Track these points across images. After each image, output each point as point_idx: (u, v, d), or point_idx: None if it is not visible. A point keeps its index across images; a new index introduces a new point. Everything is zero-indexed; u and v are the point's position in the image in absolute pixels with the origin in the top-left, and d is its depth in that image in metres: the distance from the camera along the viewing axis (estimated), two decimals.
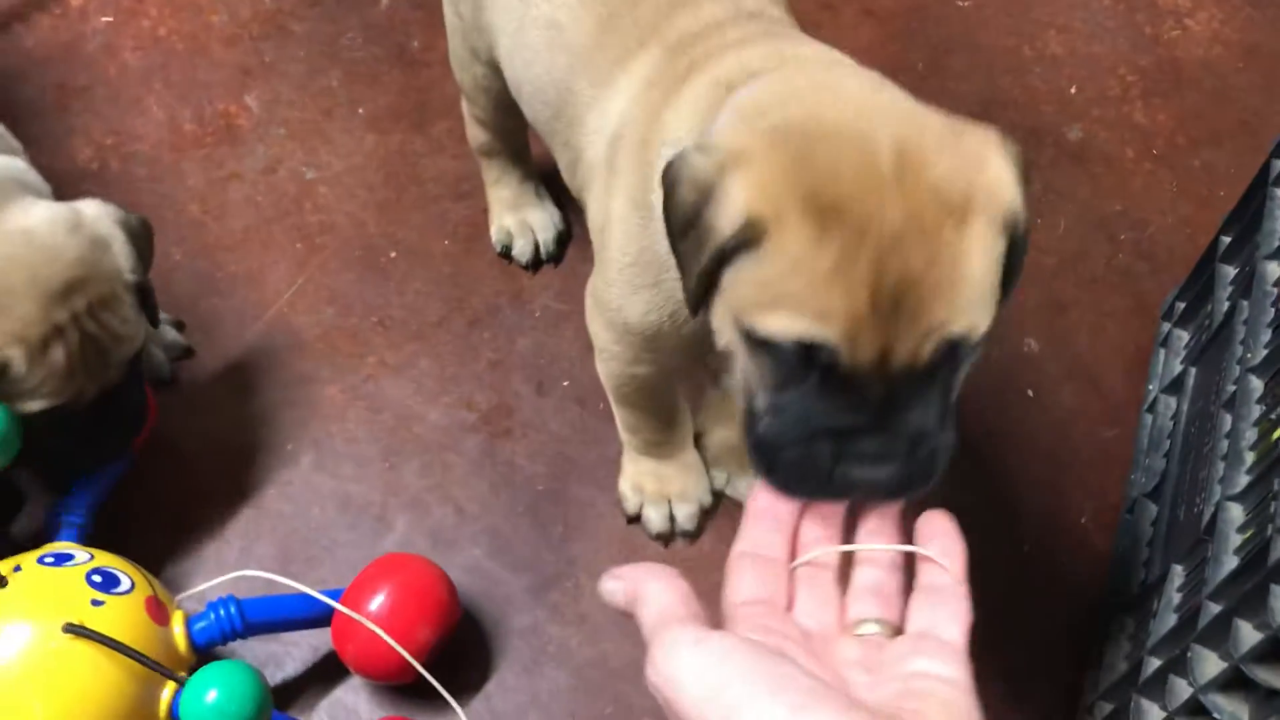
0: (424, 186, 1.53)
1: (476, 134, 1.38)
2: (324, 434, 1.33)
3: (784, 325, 0.70)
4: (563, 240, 1.46)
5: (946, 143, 0.72)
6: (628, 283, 0.94)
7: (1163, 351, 1.35)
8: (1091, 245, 1.49)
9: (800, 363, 0.71)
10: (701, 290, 0.75)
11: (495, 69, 1.20)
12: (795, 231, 0.69)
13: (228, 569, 1.16)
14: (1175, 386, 1.27)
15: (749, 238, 0.70)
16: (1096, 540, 1.30)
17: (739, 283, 0.72)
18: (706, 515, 1.28)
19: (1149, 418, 1.31)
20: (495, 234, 1.44)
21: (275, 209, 1.48)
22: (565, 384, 1.36)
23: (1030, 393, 1.40)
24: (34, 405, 1.07)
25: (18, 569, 1.03)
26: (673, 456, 1.24)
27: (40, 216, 1.07)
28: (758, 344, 0.72)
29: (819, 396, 0.71)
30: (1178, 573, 1.05)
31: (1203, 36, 1.67)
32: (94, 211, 1.10)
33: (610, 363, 1.08)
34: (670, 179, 0.75)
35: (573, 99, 1.01)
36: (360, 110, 1.58)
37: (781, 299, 0.70)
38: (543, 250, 1.44)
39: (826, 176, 0.69)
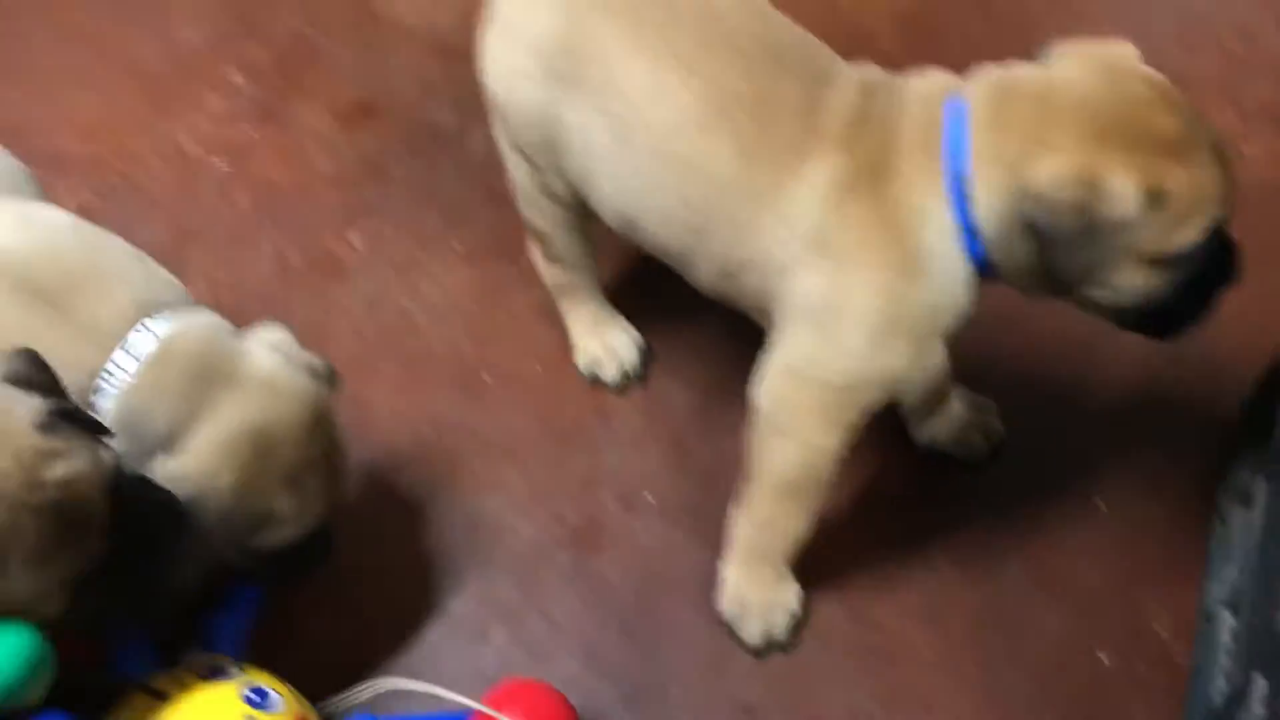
0: (514, 314, 1.63)
1: (551, 272, 1.48)
2: (422, 549, 1.40)
3: (1197, 228, 1.04)
4: (645, 359, 1.54)
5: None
6: (881, 343, 1.11)
7: (1232, 462, 1.38)
8: (1160, 360, 1.54)
9: (1204, 246, 1.05)
10: (1088, 274, 1.06)
11: (574, 208, 1.31)
12: (1173, 175, 1.02)
13: (343, 681, 1.22)
14: (1246, 498, 1.30)
15: (1151, 204, 1.01)
16: (1175, 651, 1.32)
17: (1143, 238, 1.03)
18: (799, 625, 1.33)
19: (1221, 528, 1.34)
20: (581, 360, 1.53)
21: (378, 338, 1.59)
22: (651, 500, 1.43)
23: (1102, 505, 1.44)
24: (283, 535, 1.14)
25: (175, 683, 1.08)
26: (784, 563, 1.30)
27: (271, 364, 1.15)
28: (1168, 262, 1.05)
29: (1214, 260, 1.08)
30: (1260, 684, 1.07)
31: (1259, 160, 1.74)
32: (285, 337, 1.18)
33: (811, 452, 1.19)
34: (1033, 220, 1.03)
35: (727, 218, 1.14)
36: (455, 245, 1.70)
37: (1188, 216, 1.03)
38: (629, 371, 1.52)
39: (1146, 131, 1.04)
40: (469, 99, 1.85)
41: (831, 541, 1.37)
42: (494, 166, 1.78)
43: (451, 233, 1.71)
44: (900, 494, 1.46)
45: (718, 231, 1.15)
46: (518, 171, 1.36)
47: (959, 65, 1.25)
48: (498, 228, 1.71)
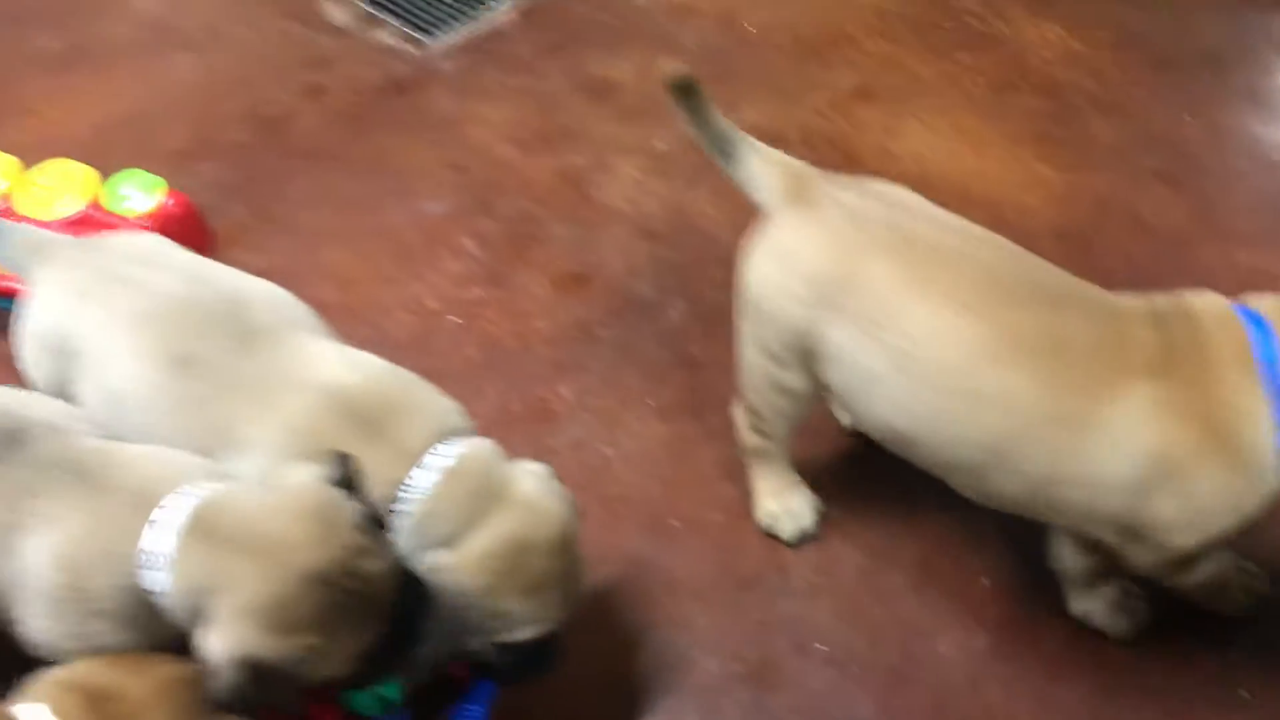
0: (701, 467, 1.83)
1: (753, 440, 1.67)
2: (619, 671, 1.57)
3: None
4: (820, 520, 1.72)
5: None
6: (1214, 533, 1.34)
7: None
8: None
9: None
10: None
11: (802, 402, 1.50)
12: None
13: None
14: None
15: None
16: None
17: None
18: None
19: None
20: (763, 516, 1.71)
21: (582, 479, 1.79)
22: (822, 648, 1.58)
23: (1245, 694, 1.53)
24: (521, 634, 1.33)
25: None
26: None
27: (533, 488, 1.37)
28: None
29: None
30: None
31: None
32: (544, 469, 1.41)
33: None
34: None
35: (1036, 443, 1.33)
36: (650, 401, 1.92)
37: None
38: (806, 532, 1.69)
39: None
40: (668, 276, 2.12)
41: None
42: (688, 335, 2.03)
43: (648, 391, 1.93)
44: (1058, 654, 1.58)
45: (1026, 454, 1.34)
46: (754, 365, 1.54)
47: (1115, 279, 1.43)
48: (689, 389, 1.93)
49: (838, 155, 2.35)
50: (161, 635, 1.21)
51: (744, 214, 2.22)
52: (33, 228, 1.62)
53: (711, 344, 2.00)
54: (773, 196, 1.52)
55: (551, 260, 2.16)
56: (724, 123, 1.55)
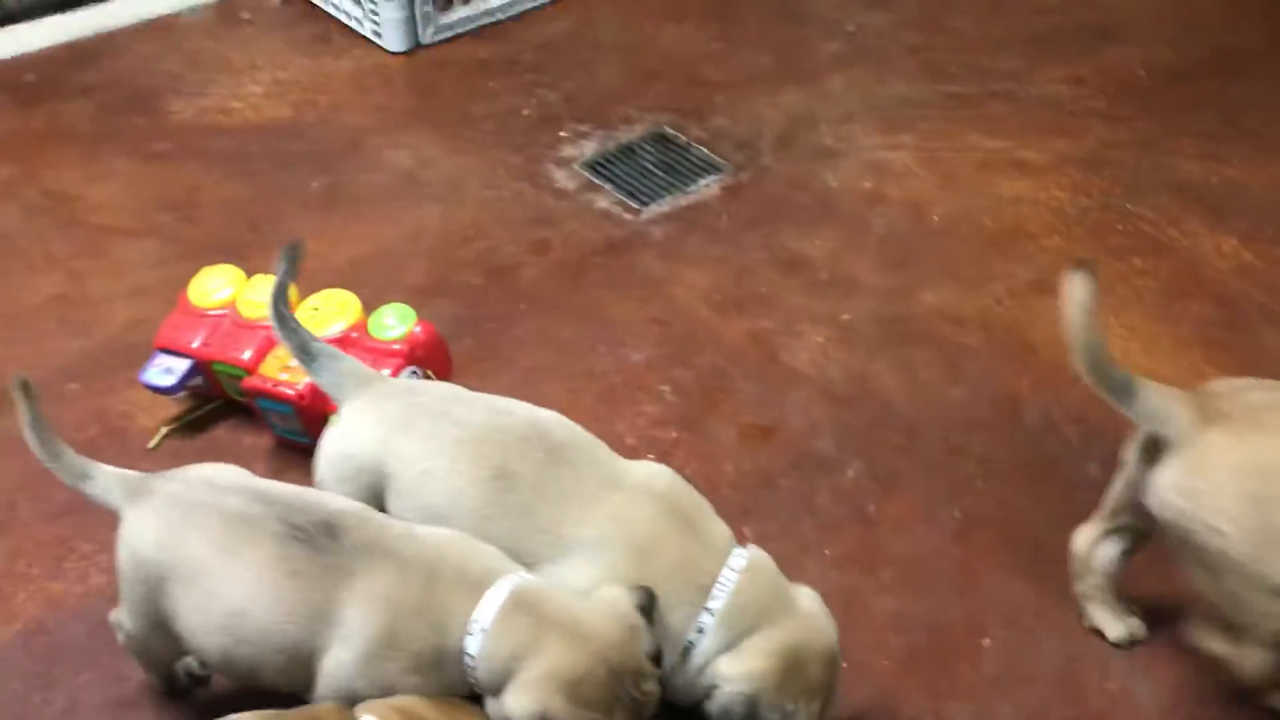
0: (871, 617, 1.98)
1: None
2: None
3: None
4: None
5: None
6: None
7: None
8: None
9: None
10: None
11: None
12: None
13: None
14: None
15: None
16: None
17: None
18: None
19: None
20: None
21: None
22: None
23: None
24: None
25: None
26: None
27: (812, 605, 1.65)
28: None
29: None
30: None
31: None
32: (813, 593, 1.66)
33: None
34: None
35: None
36: (826, 551, 2.09)
37: None
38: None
39: None
40: (847, 437, 2.32)
41: None
42: (864, 493, 2.20)
43: (825, 540, 2.11)
44: None
45: None
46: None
47: None
48: (863, 543, 2.10)
49: (1013, 341, 2.53)
50: (441, 686, 1.44)
51: (921, 385, 2.43)
52: (358, 361, 1.89)
53: (886, 503, 2.17)
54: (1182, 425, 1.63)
55: (739, 412, 2.38)
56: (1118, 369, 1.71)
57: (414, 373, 2.23)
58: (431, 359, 2.28)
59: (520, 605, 1.46)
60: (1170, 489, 1.62)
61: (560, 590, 1.51)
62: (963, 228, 2.89)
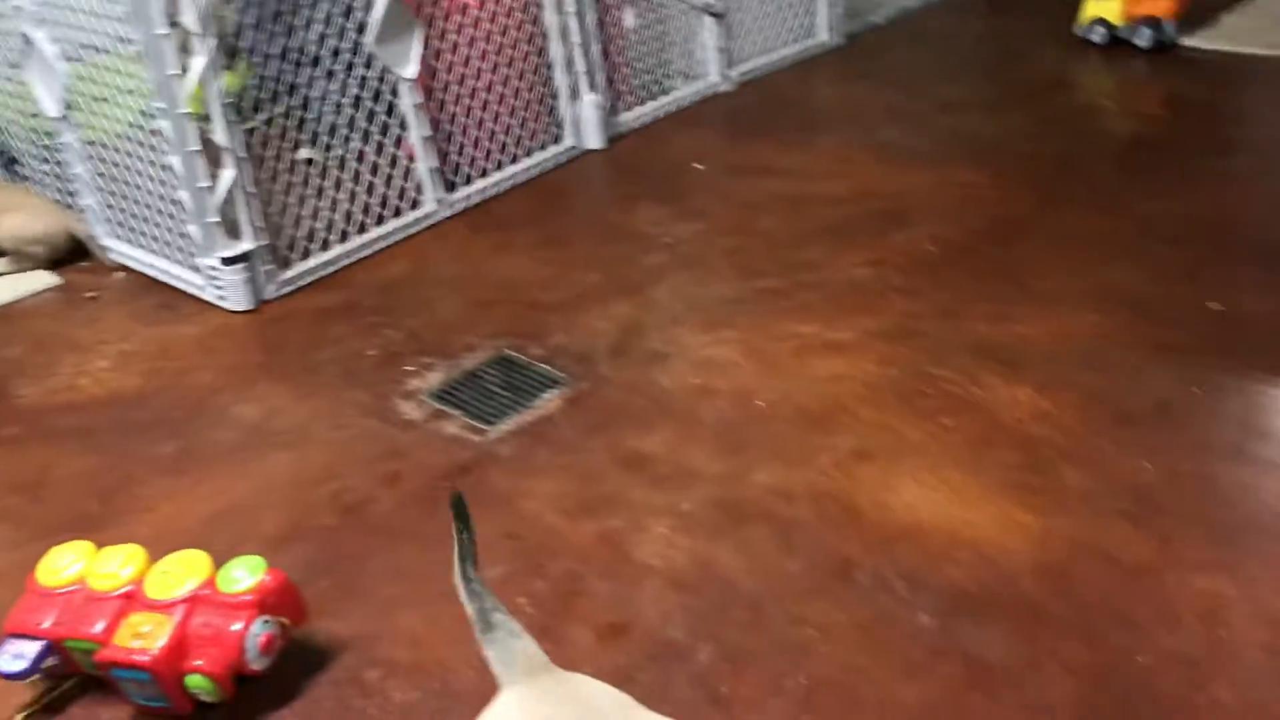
0: None
1: None
2: None
3: None
4: None
5: None
6: None
7: None
8: None
9: None
10: None
11: None
12: None
13: None
14: None
15: None
16: None
17: None
18: None
19: None
20: None
21: None
22: None
23: None
24: None
25: None
26: None
27: None
28: None
29: None
30: None
31: None
32: None
33: None
34: None
35: None
36: None
37: None
38: None
39: None
40: (696, 622, 2.42)
41: None
42: (717, 674, 2.30)
43: None
44: None
45: None
46: None
47: (1091, 609, 1.70)
48: None
49: (840, 509, 2.71)
50: None
51: (760, 562, 2.57)
52: (535, 644, 1.70)
53: (738, 682, 2.27)
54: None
55: (595, 613, 2.48)
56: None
57: (266, 622, 2.28)
58: (283, 606, 2.33)
59: None
60: None
61: None
62: (785, 410, 3.11)
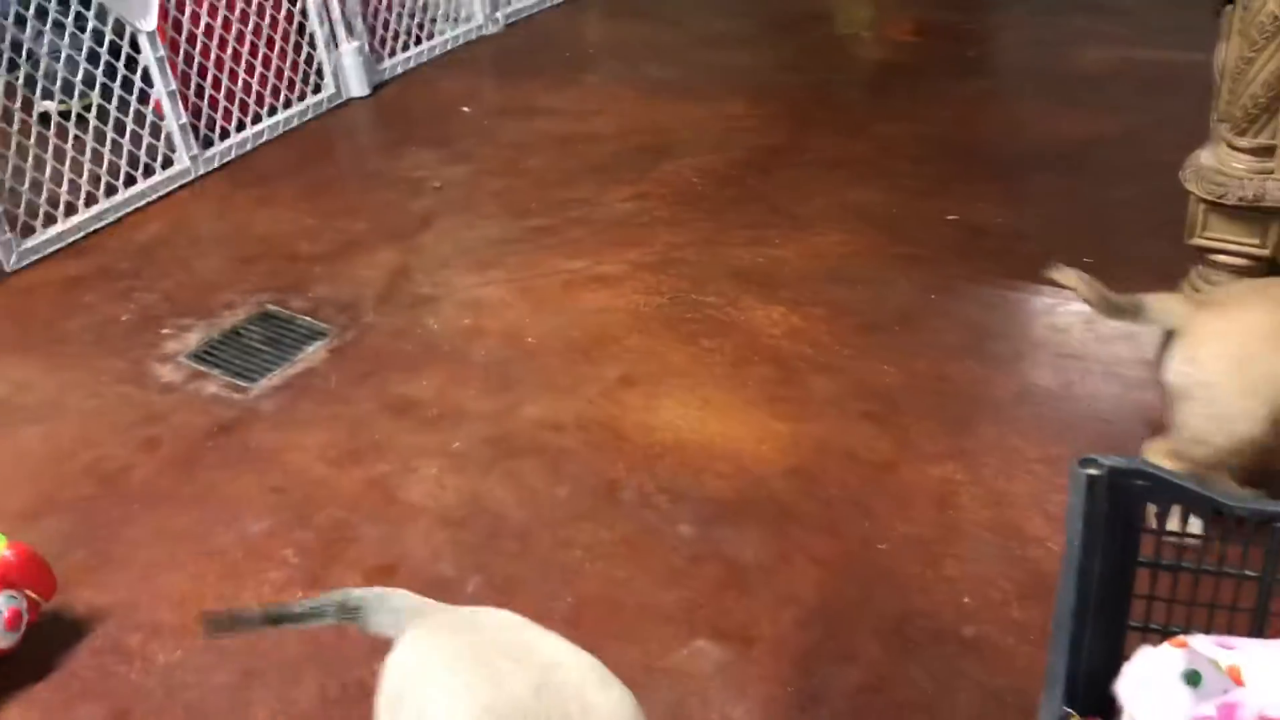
0: None
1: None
2: None
3: None
4: None
5: None
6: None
7: None
8: (986, 710, 1.99)
9: None
10: None
11: None
12: None
13: None
14: None
15: None
16: None
17: None
18: None
19: None
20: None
21: None
22: None
23: None
24: None
25: None
26: None
27: None
28: None
29: None
30: None
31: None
32: None
33: None
34: None
35: None
36: None
37: None
38: None
39: None
40: (465, 556, 2.45)
41: None
42: (483, 603, 2.33)
43: None
44: None
45: None
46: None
47: (835, 503, 1.80)
48: None
49: (608, 435, 2.78)
50: None
51: (530, 493, 2.62)
52: (408, 594, 1.71)
53: (506, 608, 2.31)
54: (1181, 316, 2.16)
55: (363, 557, 2.48)
56: None
57: (11, 597, 2.19)
58: (28, 578, 2.24)
59: None
60: (1177, 362, 2.12)
61: None
62: (555, 343, 3.15)
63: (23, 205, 3.71)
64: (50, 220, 3.80)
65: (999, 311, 3.16)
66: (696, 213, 3.76)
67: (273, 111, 4.51)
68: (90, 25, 3.88)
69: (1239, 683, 1.32)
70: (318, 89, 4.69)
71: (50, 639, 2.30)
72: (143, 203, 4.03)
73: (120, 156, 3.98)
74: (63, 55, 3.92)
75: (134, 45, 4.00)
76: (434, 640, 1.58)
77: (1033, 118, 4.26)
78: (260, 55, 4.42)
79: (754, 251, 3.51)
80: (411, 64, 5.07)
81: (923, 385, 2.85)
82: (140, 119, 4.07)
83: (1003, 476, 2.52)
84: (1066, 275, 2.19)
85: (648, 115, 4.51)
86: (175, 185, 4.14)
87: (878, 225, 3.57)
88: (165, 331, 3.34)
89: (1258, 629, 1.52)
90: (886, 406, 2.78)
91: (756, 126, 4.35)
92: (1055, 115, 4.22)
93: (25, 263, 3.70)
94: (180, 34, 4.16)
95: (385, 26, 4.94)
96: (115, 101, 3.99)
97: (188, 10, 4.16)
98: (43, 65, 3.82)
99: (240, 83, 4.37)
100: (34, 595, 2.25)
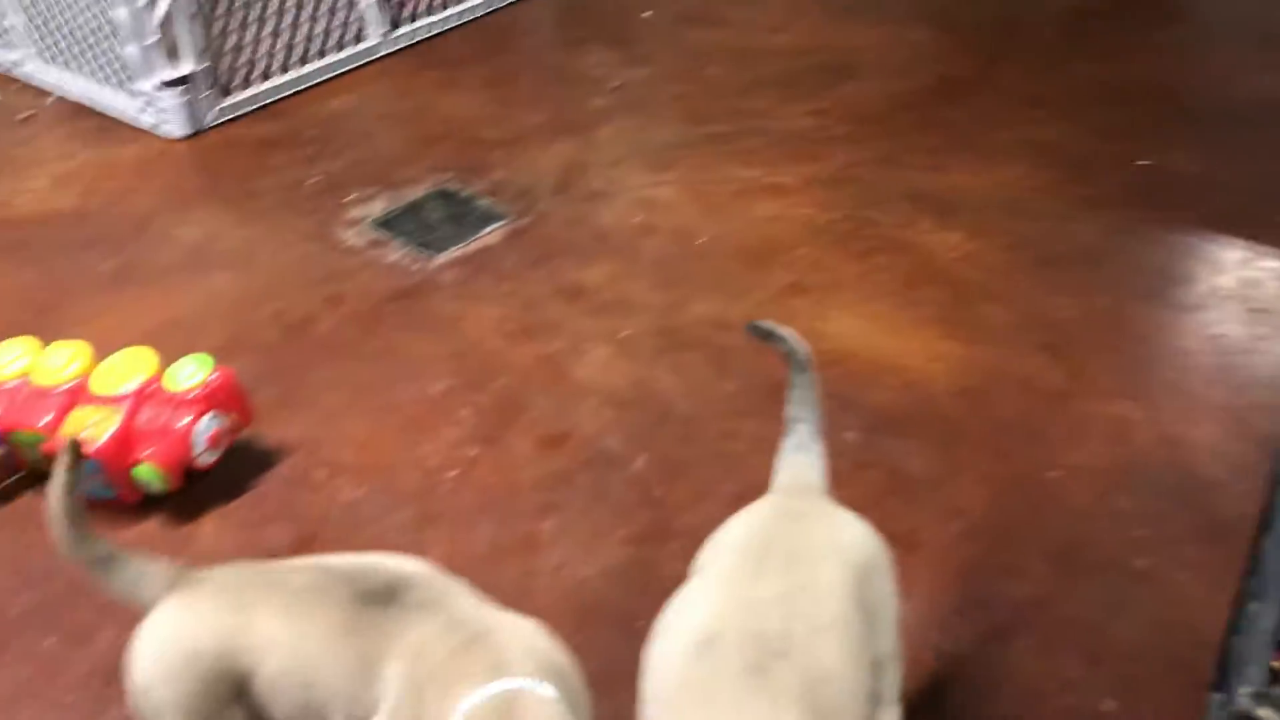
0: (664, 584, 2.15)
1: None
2: None
3: None
4: None
5: None
6: None
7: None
8: (1155, 639, 1.98)
9: None
10: None
11: None
12: None
13: None
14: None
15: None
16: None
17: None
18: None
19: None
20: None
21: (562, 594, 2.13)
22: None
23: None
24: None
25: None
26: None
27: None
28: None
29: None
30: None
31: None
32: None
33: None
34: None
35: None
36: (620, 532, 2.27)
37: None
38: None
39: None
40: (633, 435, 2.51)
41: None
42: (650, 480, 2.40)
43: (619, 524, 2.29)
44: None
45: None
46: None
47: (1009, 425, 1.80)
48: (652, 522, 2.29)
49: None
50: None
51: (696, 384, 2.66)
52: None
53: (671, 487, 2.38)
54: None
55: (534, 425, 2.56)
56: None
57: (214, 418, 2.33)
58: (230, 403, 2.38)
59: (498, 710, 1.32)
60: None
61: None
62: (725, 247, 3.17)
63: (223, 65, 3.85)
64: (246, 82, 3.94)
65: (1188, 259, 3.07)
66: (875, 133, 3.71)
67: None
68: None
69: None
70: None
71: (244, 464, 2.44)
72: (331, 74, 4.15)
73: (316, 27, 4.10)
74: None
75: None
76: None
77: (1235, 70, 4.08)
78: None
79: (933, 177, 3.45)
80: None
81: (1102, 323, 2.80)
82: None
83: (1182, 421, 2.47)
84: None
85: (830, 35, 4.45)
86: (363, 61, 4.24)
87: (1064, 164, 3.48)
88: (349, 198, 3.46)
89: None
90: (1062, 339, 2.74)
91: (942, 55, 4.26)
92: (1259, 69, 4.03)
93: (221, 120, 3.86)
94: None
95: None
96: None
97: None
98: None
99: None
100: (234, 420, 2.38)
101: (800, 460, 1.79)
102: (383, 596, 1.47)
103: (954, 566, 2.15)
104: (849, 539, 1.54)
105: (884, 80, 4.05)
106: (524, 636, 1.44)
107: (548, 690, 1.36)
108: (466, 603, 1.50)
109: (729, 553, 1.53)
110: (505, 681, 1.35)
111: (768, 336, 1.90)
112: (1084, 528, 2.22)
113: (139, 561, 1.57)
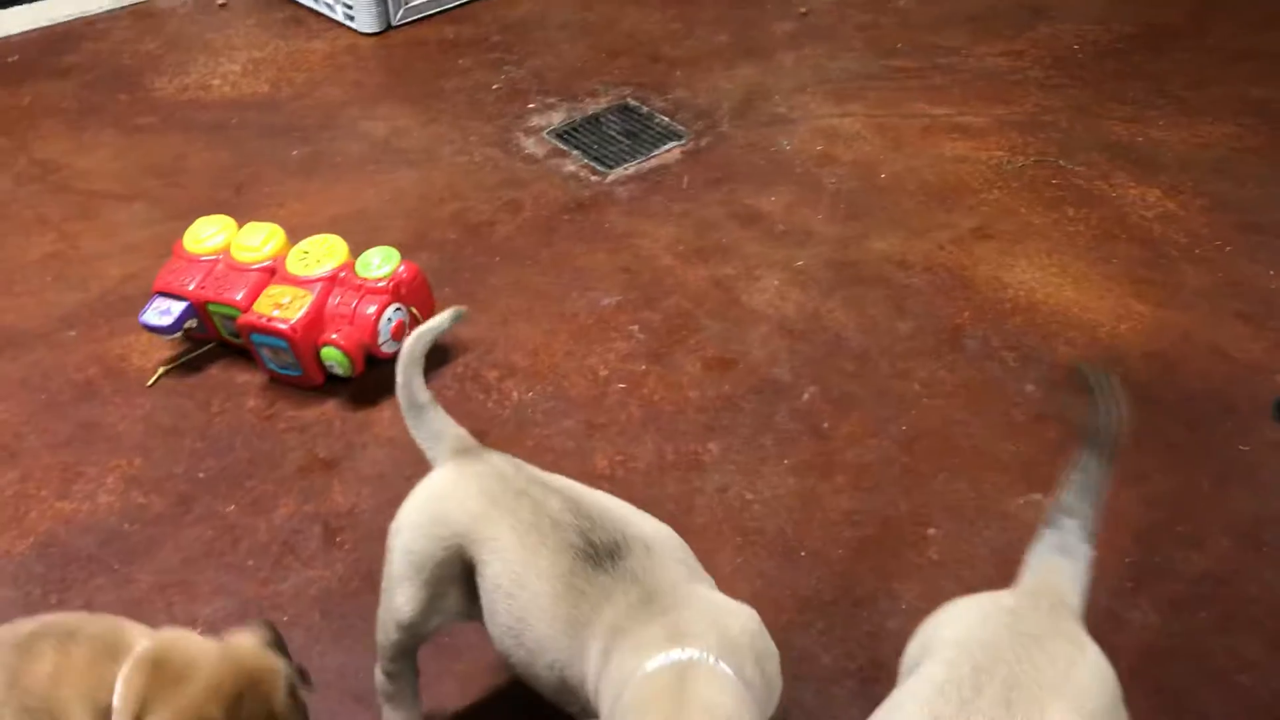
0: (827, 515, 2.15)
1: None
2: None
3: None
4: None
5: None
6: None
7: None
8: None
9: None
10: None
11: None
12: None
13: None
14: None
15: None
16: None
17: None
18: None
19: None
20: None
21: (725, 516, 2.14)
22: None
23: None
24: None
25: None
26: None
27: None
28: None
29: None
30: None
31: None
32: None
33: None
34: None
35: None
36: (785, 461, 2.27)
37: None
38: None
39: None
40: (802, 366, 2.49)
41: None
42: (818, 413, 2.38)
43: (784, 453, 2.28)
44: None
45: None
46: None
47: (1195, 395, 1.71)
48: (818, 454, 2.28)
49: (955, 281, 2.73)
50: None
51: (870, 320, 2.61)
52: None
53: (839, 421, 2.35)
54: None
55: (703, 347, 2.56)
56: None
57: (399, 309, 2.39)
58: (416, 297, 2.43)
59: (670, 678, 1.34)
60: None
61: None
62: (909, 184, 3.09)
63: None
64: None
65: None
66: (1073, 79, 3.55)
67: None
68: None
69: None
70: None
71: None
72: None
73: None
74: None
75: None
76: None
77: None
78: None
79: (1132, 128, 3.29)
80: None
81: None
82: None
83: None
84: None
85: None
86: None
87: (1277, 125, 3.27)
88: (531, 106, 3.47)
89: None
90: (1265, 309, 2.60)
91: (1151, 1, 4.03)
92: None
93: (409, 19, 3.91)
94: None
95: None
96: None
97: None
98: None
99: None
100: (416, 313, 2.44)
101: (1059, 565, 1.48)
102: (606, 553, 1.48)
103: (1131, 532, 2.08)
104: (1087, 681, 1.30)
105: (1085, 24, 3.86)
106: (715, 615, 1.43)
107: (723, 667, 1.35)
108: (676, 575, 1.49)
109: (944, 662, 1.31)
110: (680, 652, 1.36)
111: (1090, 390, 1.57)
112: (1275, 506, 2.12)
113: (444, 421, 1.70)
